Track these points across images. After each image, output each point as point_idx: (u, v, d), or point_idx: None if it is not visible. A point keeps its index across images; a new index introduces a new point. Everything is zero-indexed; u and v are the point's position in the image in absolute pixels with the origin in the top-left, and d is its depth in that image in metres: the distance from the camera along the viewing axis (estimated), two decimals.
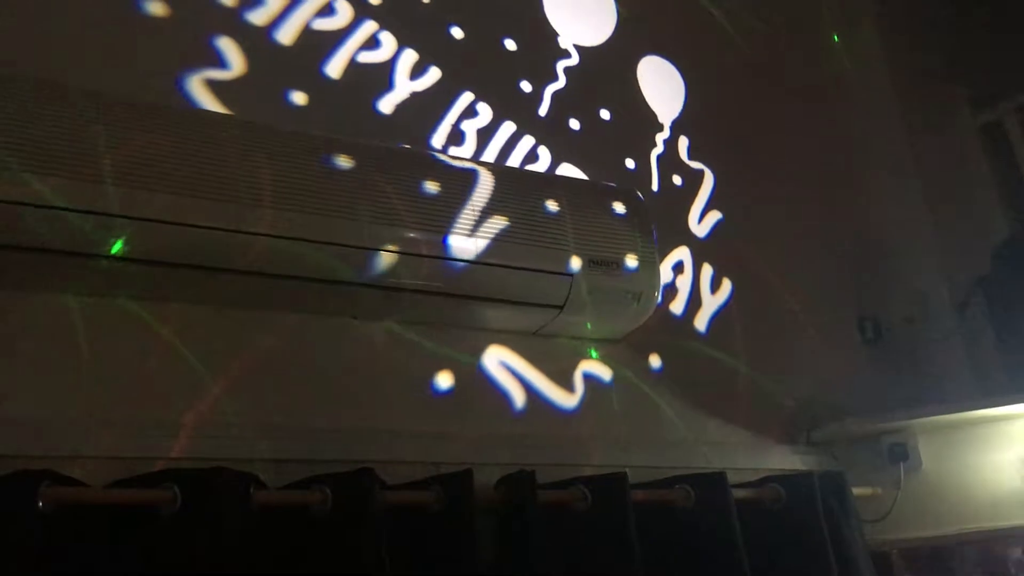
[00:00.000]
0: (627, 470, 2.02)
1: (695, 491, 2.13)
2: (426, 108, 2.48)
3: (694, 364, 2.68)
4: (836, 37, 3.49)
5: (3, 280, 1.69)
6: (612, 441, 2.36)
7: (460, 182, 2.15)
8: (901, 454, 2.61)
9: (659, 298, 2.37)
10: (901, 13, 3.59)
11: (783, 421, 2.74)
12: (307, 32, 2.35)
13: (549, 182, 2.42)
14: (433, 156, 2.35)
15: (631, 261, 2.29)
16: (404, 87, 2.47)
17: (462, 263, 2.07)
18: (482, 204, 2.14)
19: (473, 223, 2.10)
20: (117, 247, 1.70)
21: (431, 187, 2.10)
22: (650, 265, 2.32)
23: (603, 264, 2.23)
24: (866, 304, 3.09)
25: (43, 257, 1.66)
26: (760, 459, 2.55)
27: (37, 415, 1.63)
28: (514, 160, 2.59)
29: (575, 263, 2.19)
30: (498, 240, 2.11)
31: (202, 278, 1.84)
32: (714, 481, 2.16)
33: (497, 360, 2.33)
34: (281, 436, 1.85)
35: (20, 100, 1.63)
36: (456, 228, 2.07)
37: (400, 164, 2.11)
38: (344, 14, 2.43)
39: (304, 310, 2.05)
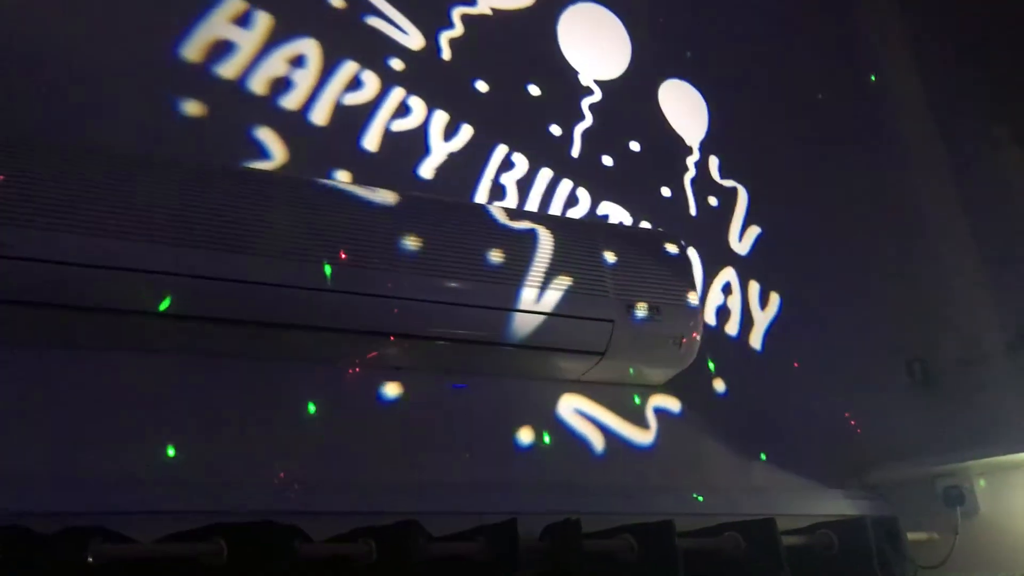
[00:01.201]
0: (674, 518, 1.98)
1: (744, 538, 2.07)
2: (464, 167, 2.49)
3: (740, 408, 2.61)
4: (873, 77, 3.47)
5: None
6: (659, 487, 2.32)
7: (504, 235, 2.15)
8: (957, 497, 2.51)
9: (699, 342, 2.33)
10: (938, 51, 3.56)
11: (834, 464, 2.66)
12: (339, 109, 2.36)
13: (589, 229, 2.40)
14: (476, 206, 2.36)
15: (672, 306, 2.26)
16: (440, 149, 2.47)
17: (503, 311, 2.06)
18: (523, 253, 2.14)
19: (514, 272, 2.09)
20: (165, 304, 1.72)
21: (475, 240, 2.11)
22: (691, 310, 2.30)
23: (644, 309, 2.22)
24: (915, 346, 2.99)
25: (92, 316, 1.68)
26: (811, 504, 2.49)
27: (82, 472, 1.64)
28: (556, 205, 2.59)
29: (616, 309, 2.18)
30: (539, 287, 2.10)
31: (251, 333, 1.85)
32: (764, 528, 2.09)
33: (544, 407, 2.31)
34: (328, 489, 1.85)
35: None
36: (497, 277, 2.07)
37: (443, 217, 2.12)
38: (371, 85, 2.43)
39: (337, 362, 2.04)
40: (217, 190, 1.82)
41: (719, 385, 2.64)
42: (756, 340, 2.83)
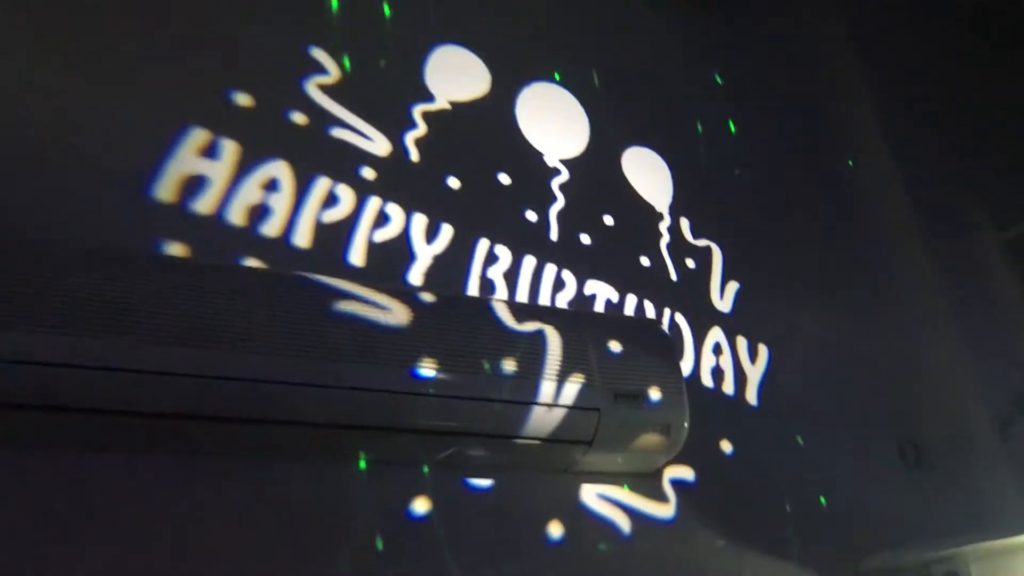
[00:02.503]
0: None
1: None
2: (451, 267, 2.46)
3: (732, 496, 2.57)
4: (851, 162, 3.57)
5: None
6: None
7: (485, 327, 2.12)
8: None
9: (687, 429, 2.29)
10: (916, 136, 3.71)
11: (829, 553, 2.62)
12: (320, 228, 2.32)
13: (573, 318, 2.36)
14: (453, 297, 2.30)
15: (657, 393, 2.23)
16: (425, 253, 2.44)
17: (488, 402, 2.02)
18: (508, 344, 2.11)
19: (500, 363, 2.06)
20: None
21: (452, 332, 2.07)
22: (677, 396, 2.26)
23: (630, 397, 2.18)
24: (905, 428, 3.02)
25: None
26: None
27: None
28: (544, 292, 2.58)
29: (602, 397, 2.14)
30: (524, 377, 2.06)
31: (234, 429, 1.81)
32: None
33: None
34: None
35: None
36: (478, 368, 2.03)
37: (426, 312, 2.08)
38: (347, 199, 2.40)
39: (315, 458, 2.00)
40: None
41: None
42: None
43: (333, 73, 2.59)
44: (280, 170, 2.34)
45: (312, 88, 2.53)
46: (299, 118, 2.46)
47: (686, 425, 2.25)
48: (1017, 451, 2.91)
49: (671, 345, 2.36)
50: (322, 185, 2.38)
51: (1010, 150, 3.79)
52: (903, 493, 2.87)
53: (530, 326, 2.19)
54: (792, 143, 3.60)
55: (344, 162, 2.46)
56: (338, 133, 2.50)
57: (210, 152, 2.25)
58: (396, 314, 2.01)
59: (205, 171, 2.22)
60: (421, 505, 2.08)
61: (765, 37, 3.77)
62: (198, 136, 2.26)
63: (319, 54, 2.60)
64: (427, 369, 1.97)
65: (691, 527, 2.43)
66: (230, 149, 2.29)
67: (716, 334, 2.86)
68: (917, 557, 2.54)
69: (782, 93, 3.74)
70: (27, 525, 1.65)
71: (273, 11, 2.59)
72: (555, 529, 2.21)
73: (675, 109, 3.33)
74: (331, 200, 2.37)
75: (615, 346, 2.25)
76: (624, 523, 2.34)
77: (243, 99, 2.39)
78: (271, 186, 2.30)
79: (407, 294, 2.11)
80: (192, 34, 2.40)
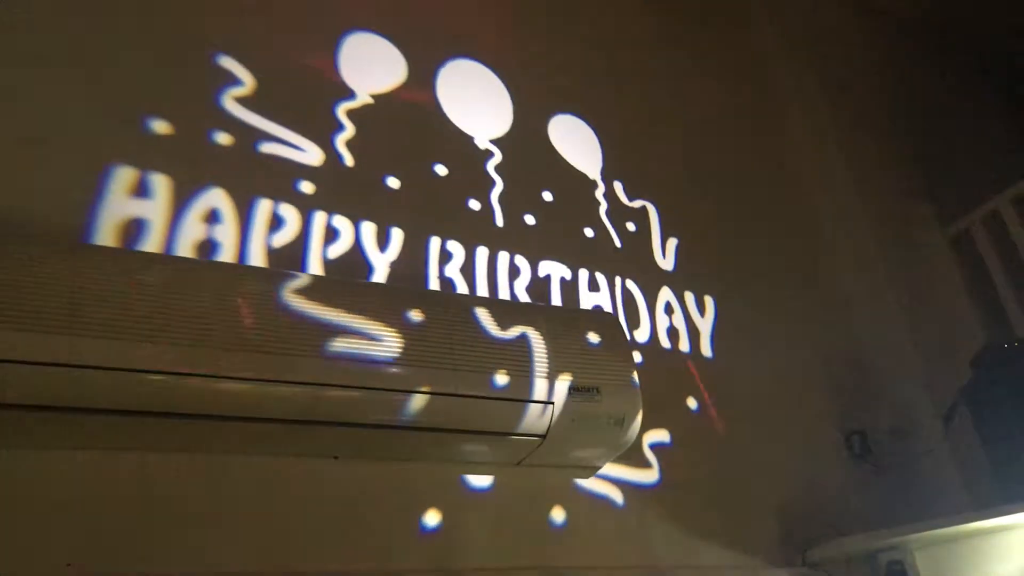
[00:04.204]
0: None
1: None
2: (408, 273, 2.40)
3: (683, 489, 2.57)
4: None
5: None
6: (601, 570, 2.29)
7: (440, 320, 2.08)
8: (899, 572, 2.55)
9: (640, 423, 2.28)
10: (861, 129, 3.76)
11: (777, 542, 2.64)
12: (272, 254, 2.22)
13: (527, 311, 2.33)
14: (406, 289, 2.29)
15: (611, 386, 2.22)
16: (380, 262, 2.38)
17: (441, 396, 1.99)
18: (460, 336, 2.08)
19: (452, 355, 2.04)
20: None
21: (408, 320, 2.04)
22: (631, 389, 2.25)
23: (584, 391, 2.17)
24: (852, 419, 3.06)
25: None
26: None
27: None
28: (502, 280, 2.56)
29: (556, 391, 2.13)
30: (477, 371, 2.05)
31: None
32: None
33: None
34: None
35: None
36: (433, 362, 2.00)
37: (377, 300, 2.04)
38: (291, 219, 2.30)
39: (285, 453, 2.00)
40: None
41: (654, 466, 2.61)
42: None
43: (247, 83, 2.44)
44: (218, 199, 2.21)
45: (230, 102, 2.39)
46: (224, 138, 2.32)
47: (639, 418, 2.25)
48: (960, 442, 2.99)
49: (624, 337, 2.36)
50: (264, 208, 2.27)
51: (954, 148, 3.96)
52: (850, 484, 2.91)
53: (484, 320, 2.16)
54: (727, 110, 3.65)
55: (280, 179, 2.35)
56: (268, 148, 2.38)
57: (142, 191, 2.11)
58: (349, 308, 1.94)
59: (141, 212, 2.09)
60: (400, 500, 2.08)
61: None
62: (125, 175, 2.11)
63: (229, 63, 2.45)
64: (380, 363, 1.92)
65: (641, 511, 2.46)
66: (162, 184, 2.15)
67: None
68: (863, 546, 2.58)
69: (719, 61, 3.76)
70: None
71: (173, 22, 2.41)
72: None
73: (594, 70, 3.30)
74: (277, 223, 2.27)
75: (570, 340, 2.23)
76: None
77: (161, 126, 2.23)
78: (213, 218, 2.17)
79: (364, 287, 2.10)
80: (93, 60, 2.21)
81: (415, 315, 2.04)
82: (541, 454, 2.23)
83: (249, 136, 2.37)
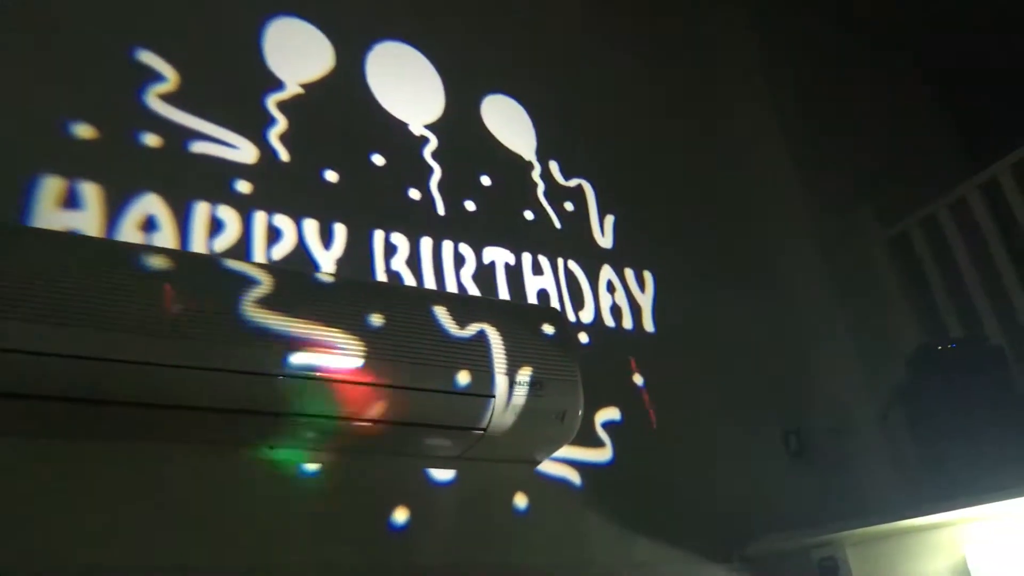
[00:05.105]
0: None
1: None
2: (355, 269, 2.35)
3: (618, 486, 2.56)
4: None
5: None
6: (539, 566, 2.29)
7: (381, 311, 2.04)
8: (832, 568, 2.57)
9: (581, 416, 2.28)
10: (804, 125, 3.75)
11: (714, 539, 2.64)
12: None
13: (470, 304, 2.33)
14: (349, 283, 2.22)
15: (553, 380, 2.22)
16: (326, 260, 2.32)
17: (382, 388, 1.98)
18: (399, 326, 2.05)
19: (393, 346, 2.01)
20: None
21: (346, 311, 2.01)
22: (573, 384, 2.25)
23: (525, 384, 2.17)
24: (790, 418, 3.09)
25: None
26: None
27: None
28: (448, 269, 2.53)
29: (497, 384, 2.13)
30: (418, 363, 2.03)
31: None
32: None
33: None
34: None
35: None
36: (377, 353, 1.98)
37: (321, 293, 2.03)
38: (231, 221, 2.23)
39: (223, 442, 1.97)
40: None
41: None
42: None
43: (170, 78, 2.33)
44: (153, 205, 2.12)
45: (154, 99, 2.28)
46: (152, 139, 2.22)
47: (580, 413, 2.26)
48: (895, 441, 3.01)
49: (569, 332, 2.36)
50: (202, 211, 2.19)
51: (896, 151, 4.03)
52: (787, 482, 2.93)
53: (426, 313, 2.14)
54: (662, 89, 3.66)
55: (215, 179, 2.26)
56: (199, 147, 2.28)
57: (72, 201, 2.00)
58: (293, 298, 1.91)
59: (74, 224, 1.99)
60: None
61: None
62: (52, 185, 2.00)
63: (149, 57, 2.33)
64: (316, 354, 1.89)
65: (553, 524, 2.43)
66: (91, 193, 2.04)
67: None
68: (796, 543, 2.59)
69: (656, 42, 3.76)
70: None
71: (86, 16, 2.27)
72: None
73: (522, 47, 3.26)
74: (217, 226, 2.19)
75: (513, 334, 2.22)
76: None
77: (85, 130, 2.12)
78: (149, 225, 2.08)
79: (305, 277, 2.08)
80: (5, 63, 2.07)
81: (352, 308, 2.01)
82: (483, 447, 2.22)
83: (178, 135, 2.27)
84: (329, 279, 2.12)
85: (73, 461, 1.78)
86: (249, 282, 1.87)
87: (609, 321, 2.86)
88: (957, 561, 2.51)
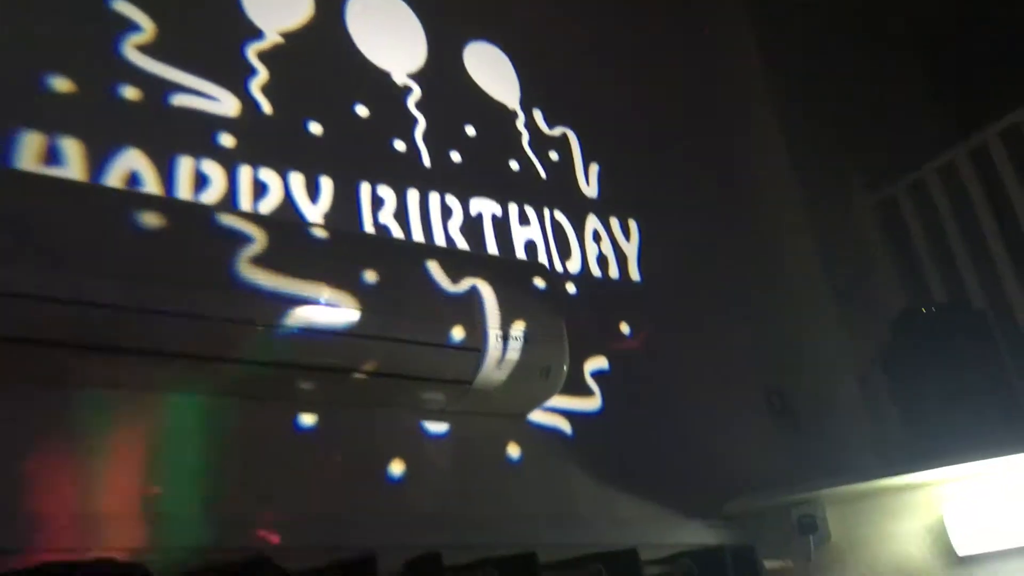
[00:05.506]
0: (537, 549, 1.96)
1: (608, 569, 2.08)
2: (343, 222, 2.33)
3: (605, 439, 2.59)
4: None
5: None
6: (522, 519, 2.30)
7: (371, 263, 2.04)
8: (810, 526, 2.59)
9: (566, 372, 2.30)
10: (794, 95, 3.71)
11: (695, 495, 2.67)
12: None
13: (457, 257, 2.34)
14: (337, 233, 2.21)
15: (540, 335, 2.22)
16: (314, 215, 2.30)
17: (364, 338, 1.97)
18: (388, 281, 2.05)
19: (378, 299, 2.01)
20: None
21: (336, 266, 2.00)
22: (558, 339, 2.26)
23: (512, 339, 2.17)
24: (773, 377, 3.11)
25: None
26: (673, 534, 2.52)
27: None
28: (435, 221, 2.52)
29: (484, 338, 2.12)
30: (404, 316, 2.04)
31: None
32: (627, 558, 2.11)
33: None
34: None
35: None
36: (361, 303, 1.97)
37: (304, 241, 2.04)
38: (216, 175, 2.19)
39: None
40: None
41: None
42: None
43: (147, 28, 2.27)
44: (136, 160, 2.08)
45: (131, 51, 2.22)
46: (131, 92, 2.17)
47: (565, 368, 2.27)
48: (875, 403, 3.06)
49: (556, 288, 2.39)
50: (186, 166, 2.15)
51: (884, 116, 4.00)
52: (769, 441, 2.98)
53: (416, 265, 2.15)
54: (648, 42, 3.62)
55: (198, 134, 2.22)
56: (180, 100, 2.23)
57: (53, 157, 1.96)
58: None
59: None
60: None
61: None
62: (32, 141, 1.95)
63: (124, 6, 2.26)
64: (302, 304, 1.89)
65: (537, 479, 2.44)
66: (73, 149, 1.99)
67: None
68: (776, 500, 2.63)
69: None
70: None
71: None
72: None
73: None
74: (202, 182, 2.15)
75: (499, 288, 2.21)
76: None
77: (62, 84, 2.06)
78: (134, 181, 2.04)
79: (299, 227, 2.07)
80: None
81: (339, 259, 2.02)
82: (469, 401, 2.23)
83: (158, 88, 2.22)
84: (322, 233, 2.11)
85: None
86: (240, 236, 1.85)
87: (596, 271, 2.86)
88: (935, 520, 2.54)
